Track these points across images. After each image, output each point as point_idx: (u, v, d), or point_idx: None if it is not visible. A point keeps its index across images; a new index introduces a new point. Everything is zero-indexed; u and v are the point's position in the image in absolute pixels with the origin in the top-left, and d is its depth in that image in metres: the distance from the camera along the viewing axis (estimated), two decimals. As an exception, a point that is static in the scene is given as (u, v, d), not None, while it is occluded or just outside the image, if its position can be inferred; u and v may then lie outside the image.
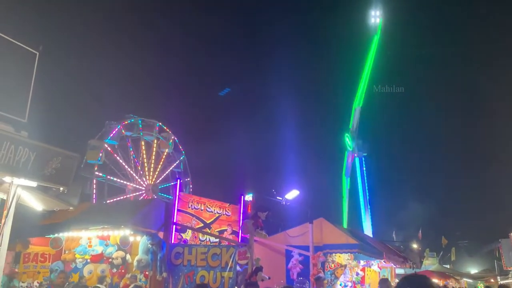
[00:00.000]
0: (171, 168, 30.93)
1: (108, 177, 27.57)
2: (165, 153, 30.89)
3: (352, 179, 37.97)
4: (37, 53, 6.92)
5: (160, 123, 30.32)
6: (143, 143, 29.89)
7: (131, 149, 29.24)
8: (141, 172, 29.55)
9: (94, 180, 26.72)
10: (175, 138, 31.06)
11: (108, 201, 25.98)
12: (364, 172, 36.44)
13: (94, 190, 26.62)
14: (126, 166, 28.77)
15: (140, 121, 29.36)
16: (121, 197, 27.98)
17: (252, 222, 10.85)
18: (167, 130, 30.76)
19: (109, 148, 27.60)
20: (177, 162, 31.22)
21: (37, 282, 12.72)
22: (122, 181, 28.52)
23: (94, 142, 27.24)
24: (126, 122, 28.74)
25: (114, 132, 27.78)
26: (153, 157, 30.28)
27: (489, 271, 38.97)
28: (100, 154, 26.76)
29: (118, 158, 28.35)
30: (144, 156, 29.94)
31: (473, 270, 46.47)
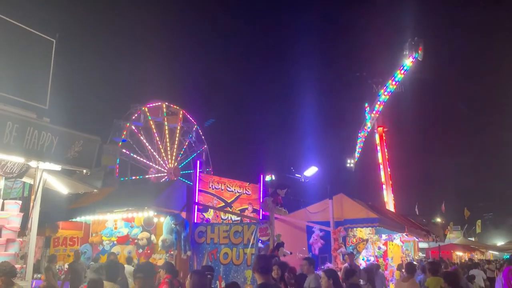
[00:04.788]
0: (192, 156, 31.41)
1: (132, 155, 28.21)
2: (187, 142, 31.39)
3: (373, 154, 37.74)
4: (54, 41, 7.08)
5: (184, 111, 30.67)
6: (166, 128, 30.37)
7: (155, 132, 29.74)
8: (164, 155, 30.07)
9: (118, 160, 27.20)
10: (198, 128, 31.45)
11: (132, 178, 26.70)
12: (385, 146, 36.15)
13: (117, 167, 27.08)
14: (150, 147, 29.31)
15: (165, 107, 29.80)
16: (145, 176, 28.60)
17: (272, 200, 10.99)
18: (191, 119, 31.19)
19: (134, 128, 28.09)
20: (199, 151, 31.67)
21: (68, 265, 13.20)
22: (145, 161, 29.09)
23: (119, 121, 27.80)
24: (151, 105, 29.23)
25: (139, 114, 28.31)
26: (176, 143, 30.80)
27: (515, 243, 38.49)
28: (125, 133, 27.32)
29: (142, 138, 28.88)
30: (168, 141, 30.45)
31: (499, 242, 45.99)
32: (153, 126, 29.48)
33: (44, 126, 6.23)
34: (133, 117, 27.87)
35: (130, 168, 28.44)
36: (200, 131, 31.65)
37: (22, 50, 6.74)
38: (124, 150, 27.32)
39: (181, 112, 30.49)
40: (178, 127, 30.62)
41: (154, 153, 29.48)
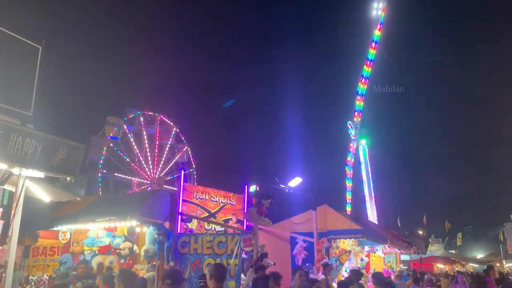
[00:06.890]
0: (175, 160, 31.10)
1: (113, 173, 27.78)
2: (168, 145, 31.07)
3: (356, 167, 38.10)
4: (40, 48, 7.04)
5: (161, 115, 30.46)
6: (145, 136, 30.00)
7: (134, 143, 29.38)
8: (145, 166, 29.73)
9: (99, 178, 26.80)
10: (177, 129, 31.15)
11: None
12: (368, 159, 36.55)
13: (100, 188, 26.70)
14: (130, 161, 28.93)
15: (141, 115, 29.50)
16: (128, 191, 28.19)
17: (256, 210, 10.99)
18: (168, 122, 30.93)
19: (111, 144, 27.72)
20: (180, 153, 31.41)
21: (47, 275, 12.95)
22: (126, 176, 28.69)
23: (96, 139, 27.37)
24: (128, 117, 28.90)
25: (116, 128, 27.98)
26: (156, 149, 30.41)
27: (494, 255, 39.12)
28: (103, 151, 26.92)
29: (121, 154, 28.49)
30: (147, 149, 30.11)
31: (479, 255, 46.66)
32: (132, 140, 29.11)
33: (28, 132, 6.17)
34: (111, 132, 27.55)
35: (112, 184, 28.01)
36: (179, 133, 31.44)
37: (7, 56, 6.68)
38: (103, 170, 26.94)
39: (158, 118, 30.29)
40: (157, 132, 30.36)
41: (135, 166, 29.14)
